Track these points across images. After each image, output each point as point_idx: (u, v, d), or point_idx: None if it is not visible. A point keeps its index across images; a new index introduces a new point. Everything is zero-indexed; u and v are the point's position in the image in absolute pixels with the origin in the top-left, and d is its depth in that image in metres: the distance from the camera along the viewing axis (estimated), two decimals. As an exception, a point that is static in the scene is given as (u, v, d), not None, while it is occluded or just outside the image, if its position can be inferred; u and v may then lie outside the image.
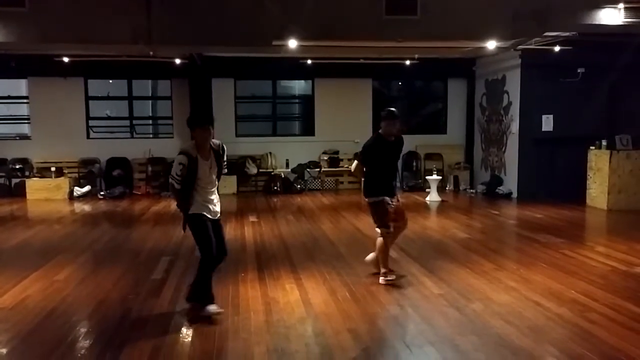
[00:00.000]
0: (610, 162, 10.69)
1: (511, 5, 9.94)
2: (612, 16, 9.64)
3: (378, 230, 6.09)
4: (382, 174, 6.11)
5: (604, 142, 10.96)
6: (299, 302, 5.40)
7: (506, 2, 10.00)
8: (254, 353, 4.21)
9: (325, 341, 4.45)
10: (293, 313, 5.09)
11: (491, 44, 10.89)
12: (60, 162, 13.43)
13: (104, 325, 4.85)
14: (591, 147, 11.22)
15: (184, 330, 4.70)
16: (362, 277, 6.20)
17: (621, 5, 9.54)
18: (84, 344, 4.47)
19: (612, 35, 10.39)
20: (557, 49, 11.20)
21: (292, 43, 10.16)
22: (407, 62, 13.19)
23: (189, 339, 4.53)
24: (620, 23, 9.64)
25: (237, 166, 13.78)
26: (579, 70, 11.95)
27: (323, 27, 9.89)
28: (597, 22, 9.71)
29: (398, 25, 9.82)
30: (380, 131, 6.12)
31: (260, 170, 14.15)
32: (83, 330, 4.81)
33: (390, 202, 6.01)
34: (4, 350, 4.33)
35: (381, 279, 5.97)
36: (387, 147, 6.07)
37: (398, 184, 14.15)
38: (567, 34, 10.53)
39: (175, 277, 6.25)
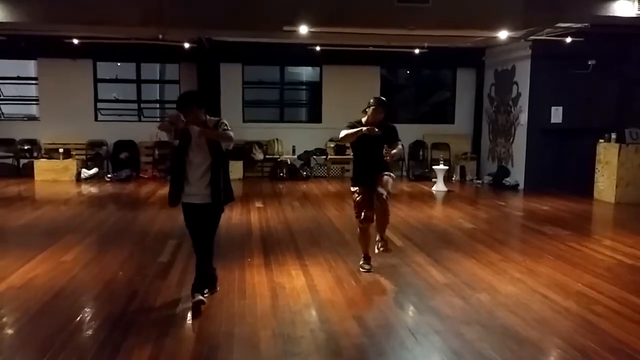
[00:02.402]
0: (619, 155, 10.62)
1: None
2: (626, 8, 9.54)
3: None
4: (363, 162, 5.92)
5: (613, 135, 10.89)
6: (304, 288, 5.42)
7: (519, -8, 9.93)
8: (260, 337, 4.23)
9: (330, 327, 4.46)
10: (299, 299, 5.11)
11: (503, 34, 10.80)
12: (68, 144, 13.46)
13: (111, 307, 4.88)
14: (600, 140, 11.14)
15: (190, 313, 4.72)
16: (367, 265, 6.20)
17: (636, -3, 9.46)
18: (91, 324, 4.51)
19: (625, 27, 10.28)
20: (568, 40, 11.09)
21: (303, 29, 10.11)
22: (417, 51, 13.10)
23: (196, 322, 4.56)
24: (634, 15, 9.54)
25: (243, 151, 13.79)
26: (589, 62, 11.84)
27: (334, 14, 9.86)
28: (610, 14, 9.61)
29: (410, 13, 9.77)
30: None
31: (267, 156, 14.16)
32: (90, 310, 4.85)
33: (362, 194, 5.82)
34: (13, 329, 4.38)
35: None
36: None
37: (404, 173, 14.18)
38: (579, 25, 10.43)
39: (181, 260, 6.27)
